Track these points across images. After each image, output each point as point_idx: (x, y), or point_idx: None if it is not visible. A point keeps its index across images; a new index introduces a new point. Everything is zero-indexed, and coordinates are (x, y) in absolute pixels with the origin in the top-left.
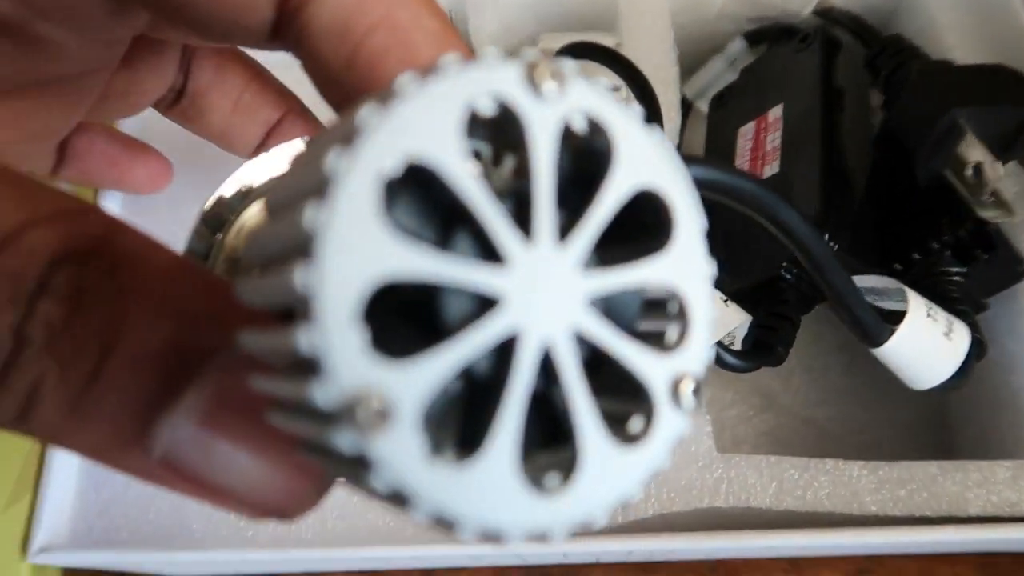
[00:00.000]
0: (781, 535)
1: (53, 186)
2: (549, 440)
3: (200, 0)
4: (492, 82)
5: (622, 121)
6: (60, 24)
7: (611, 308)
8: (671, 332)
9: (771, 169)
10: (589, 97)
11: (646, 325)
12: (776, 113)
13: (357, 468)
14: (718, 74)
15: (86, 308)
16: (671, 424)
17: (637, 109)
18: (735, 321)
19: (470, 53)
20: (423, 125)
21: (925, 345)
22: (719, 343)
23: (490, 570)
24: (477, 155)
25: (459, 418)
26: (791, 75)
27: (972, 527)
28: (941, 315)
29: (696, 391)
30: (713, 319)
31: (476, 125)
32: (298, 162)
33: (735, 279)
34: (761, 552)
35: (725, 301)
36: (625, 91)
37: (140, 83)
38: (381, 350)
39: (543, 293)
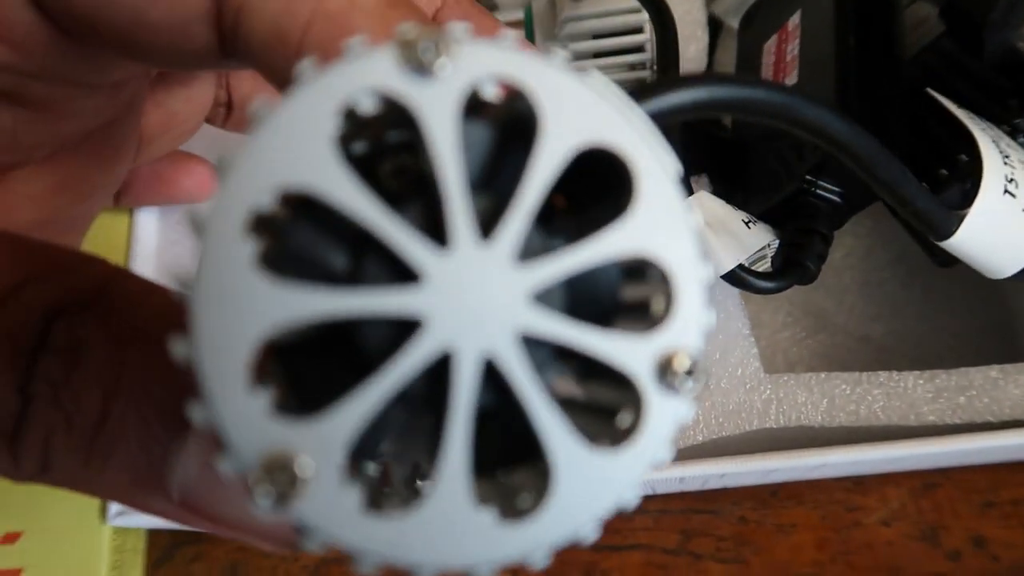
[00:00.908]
0: (836, 452)
1: (50, 243)
2: (523, 455)
3: (139, 33)
4: (366, 76)
5: (543, 77)
6: (50, 81)
7: (584, 286)
8: (657, 301)
9: (790, 80)
10: (493, 59)
11: (632, 294)
12: (795, 20)
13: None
14: None
15: (85, 359)
16: (664, 411)
17: (560, 56)
18: (761, 242)
19: (427, 15)
20: (291, 149)
21: (1002, 227)
22: (742, 266)
23: None
24: (378, 158)
25: (421, 446)
26: None
27: None
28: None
29: (692, 367)
30: (704, 277)
31: (386, 121)
32: None
33: (758, 200)
34: (819, 472)
35: (748, 223)
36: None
37: (175, 116)
38: (303, 402)
39: (472, 301)
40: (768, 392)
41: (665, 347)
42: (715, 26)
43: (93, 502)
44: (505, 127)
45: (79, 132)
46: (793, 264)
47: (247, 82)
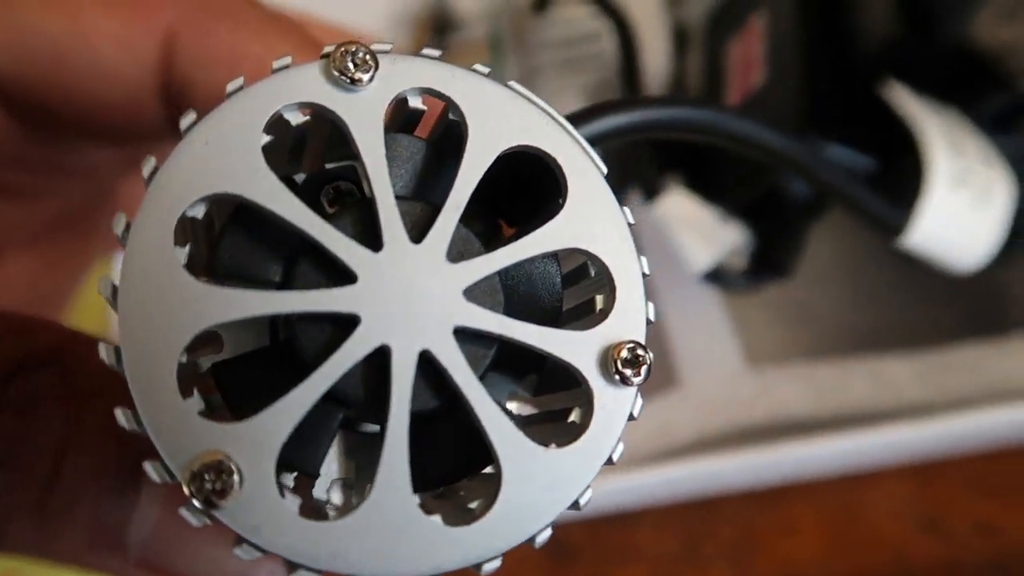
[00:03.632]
0: (829, 441)
1: (7, 309)
2: (476, 463)
3: (95, 115)
4: (293, 90)
5: (468, 88)
6: (21, 169)
7: (527, 291)
8: (599, 299)
9: (759, 80)
10: (417, 73)
11: (577, 297)
12: (759, 18)
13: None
14: None
15: (40, 417)
16: (612, 402)
17: (484, 69)
18: (736, 239)
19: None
20: (220, 158)
21: (956, 221)
22: (718, 265)
23: None
24: (320, 184)
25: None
26: None
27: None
28: (979, 176)
29: (635, 357)
30: (640, 270)
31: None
32: None
33: (734, 196)
34: (815, 465)
35: (723, 221)
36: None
37: None
38: (239, 411)
39: (407, 298)
40: (753, 386)
41: (607, 339)
42: (685, 33)
43: None
44: (441, 142)
45: (57, 215)
46: (768, 261)
47: None
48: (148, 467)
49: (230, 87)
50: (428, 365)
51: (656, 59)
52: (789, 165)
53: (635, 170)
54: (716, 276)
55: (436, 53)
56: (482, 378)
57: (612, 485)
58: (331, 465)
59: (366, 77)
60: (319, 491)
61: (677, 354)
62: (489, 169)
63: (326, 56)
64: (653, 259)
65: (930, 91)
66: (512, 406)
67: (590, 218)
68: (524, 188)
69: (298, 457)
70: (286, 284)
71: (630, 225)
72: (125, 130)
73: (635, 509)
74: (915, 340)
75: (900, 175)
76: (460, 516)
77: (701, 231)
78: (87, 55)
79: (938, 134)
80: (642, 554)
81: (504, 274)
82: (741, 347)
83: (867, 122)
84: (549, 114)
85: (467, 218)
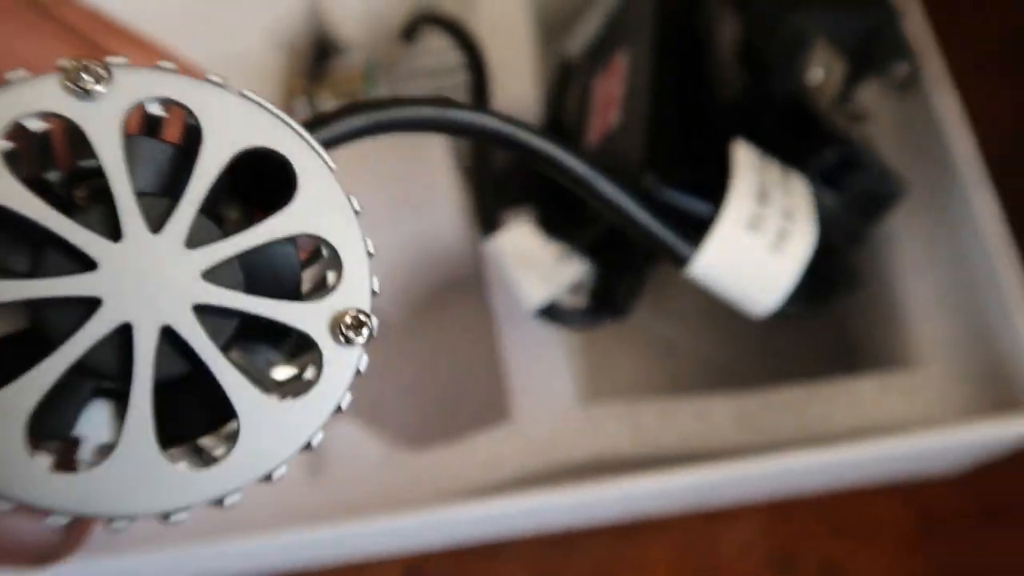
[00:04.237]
0: (629, 482)
1: None
2: (220, 417)
3: None
4: (31, 99)
5: (205, 96)
6: None
7: (266, 271)
8: (331, 276)
9: (615, 120)
10: (154, 83)
11: (310, 276)
12: (623, 56)
13: None
14: (595, 27)
15: None
16: (339, 360)
17: (219, 78)
18: (574, 276)
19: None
20: None
21: (744, 264)
22: (554, 306)
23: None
24: (72, 185)
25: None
26: (631, 18)
27: (842, 447)
28: (772, 223)
29: (360, 321)
30: (365, 250)
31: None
32: None
33: (583, 231)
34: (637, 505)
35: (563, 256)
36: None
37: None
38: None
39: (148, 281)
40: (578, 424)
41: (336, 308)
42: (569, 67)
43: None
44: (185, 145)
45: None
46: (606, 300)
47: None
48: None
49: None
50: (174, 338)
51: (523, 91)
52: (566, 178)
53: (483, 202)
54: (551, 313)
55: (171, 66)
56: (228, 347)
57: (443, 516)
58: (101, 432)
59: (100, 88)
60: (86, 454)
61: (511, 388)
62: (238, 166)
63: (62, 69)
64: (500, 292)
65: (774, 144)
66: (277, 370)
67: (319, 207)
68: (272, 183)
69: (49, 424)
70: (32, 274)
71: (357, 213)
72: None
73: (496, 541)
74: (774, 378)
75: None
76: (205, 462)
77: (538, 267)
78: None
79: (748, 182)
80: None
81: (246, 258)
82: (581, 383)
83: (709, 172)
84: (280, 118)
85: (224, 210)
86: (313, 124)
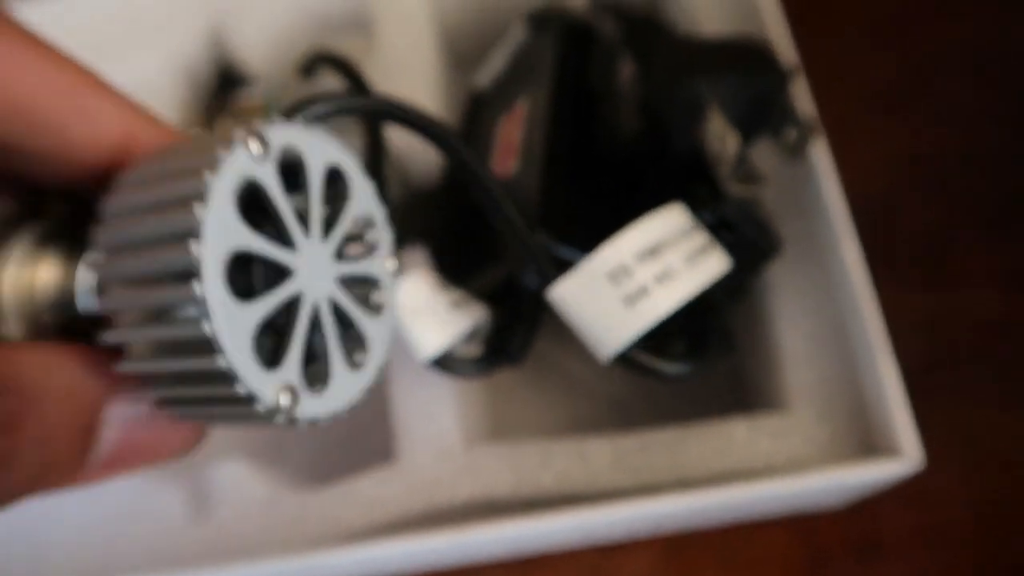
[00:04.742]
0: (509, 524)
1: None
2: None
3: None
4: (241, 167)
5: (294, 136)
6: None
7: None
8: (369, 235)
9: (513, 168)
10: (282, 136)
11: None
12: (524, 102)
13: (215, 383)
14: (502, 63)
15: None
16: (377, 335)
17: (296, 123)
18: (469, 324)
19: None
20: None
21: (594, 304)
22: (447, 355)
23: None
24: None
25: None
26: (533, 63)
27: (711, 490)
28: (638, 280)
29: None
30: (389, 227)
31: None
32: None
33: (480, 277)
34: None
35: (458, 304)
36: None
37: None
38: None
39: (315, 270)
40: (459, 465)
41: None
42: (480, 101)
43: None
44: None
45: None
46: (496, 348)
47: None
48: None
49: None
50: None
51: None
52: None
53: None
54: (444, 363)
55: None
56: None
57: (317, 561)
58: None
59: (263, 146)
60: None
61: (397, 429)
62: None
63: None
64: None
65: (667, 193)
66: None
67: (364, 191)
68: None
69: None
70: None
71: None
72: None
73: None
74: (675, 415)
75: None
76: (354, 369)
77: (433, 316)
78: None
79: (631, 240)
80: None
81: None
82: (473, 424)
83: (602, 223)
84: (338, 138)
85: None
86: (294, 109)
